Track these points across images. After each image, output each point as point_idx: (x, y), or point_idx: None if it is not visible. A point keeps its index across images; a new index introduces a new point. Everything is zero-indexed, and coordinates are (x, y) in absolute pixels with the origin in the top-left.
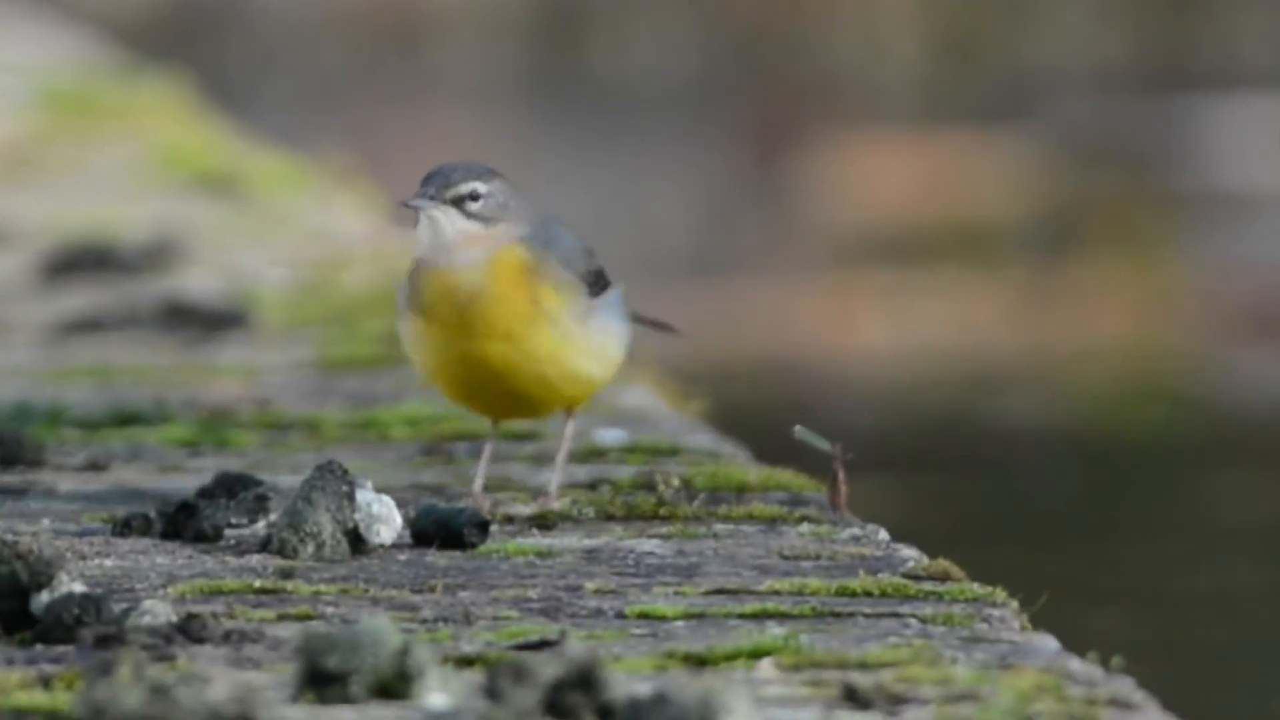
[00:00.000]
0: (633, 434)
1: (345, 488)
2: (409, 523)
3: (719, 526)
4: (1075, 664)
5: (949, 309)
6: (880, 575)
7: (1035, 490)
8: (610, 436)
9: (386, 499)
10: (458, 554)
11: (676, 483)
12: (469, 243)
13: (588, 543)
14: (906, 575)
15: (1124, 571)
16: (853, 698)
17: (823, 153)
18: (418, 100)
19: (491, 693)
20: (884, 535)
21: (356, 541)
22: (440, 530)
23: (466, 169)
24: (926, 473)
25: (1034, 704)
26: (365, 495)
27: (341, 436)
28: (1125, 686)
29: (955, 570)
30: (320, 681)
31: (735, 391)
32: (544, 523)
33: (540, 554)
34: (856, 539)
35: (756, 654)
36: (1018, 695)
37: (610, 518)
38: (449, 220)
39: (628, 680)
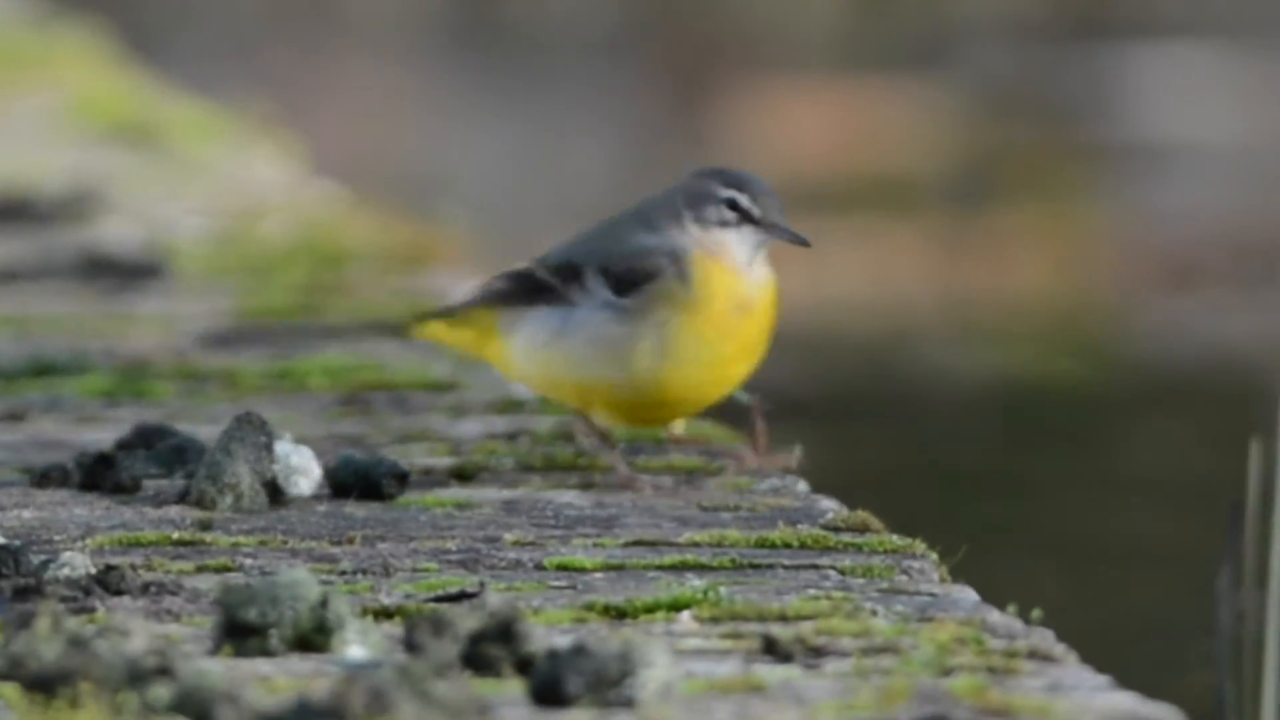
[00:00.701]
0: None
1: (264, 439)
2: (327, 474)
3: (638, 477)
4: (995, 616)
5: (868, 258)
6: (799, 527)
7: (954, 441)
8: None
9: (305, 450)
10: (376, 505)
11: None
12: (762, 264)
13: (506, 494)
14: (826, 527)
15: (1044, 522)
16: (772, 650)
17: (741, 102)
18: (334, 48)
19: (410, 645)
20: (803, 487)
21: (275, 493)
22: (359, 481)
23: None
24: (846, 423)
25: (953, 656)
26: (284, 446)
27: (259, 387)
28: (1045, 638)
29: (875, 522)
30: (239, 634)
31: None
32: (462, 474)
33: (459, 505)
34: (775, 490)
35: (676, 606)
36: (937, 647)
37: (529, 469)
38: (767, 244)
39: (547, 632)
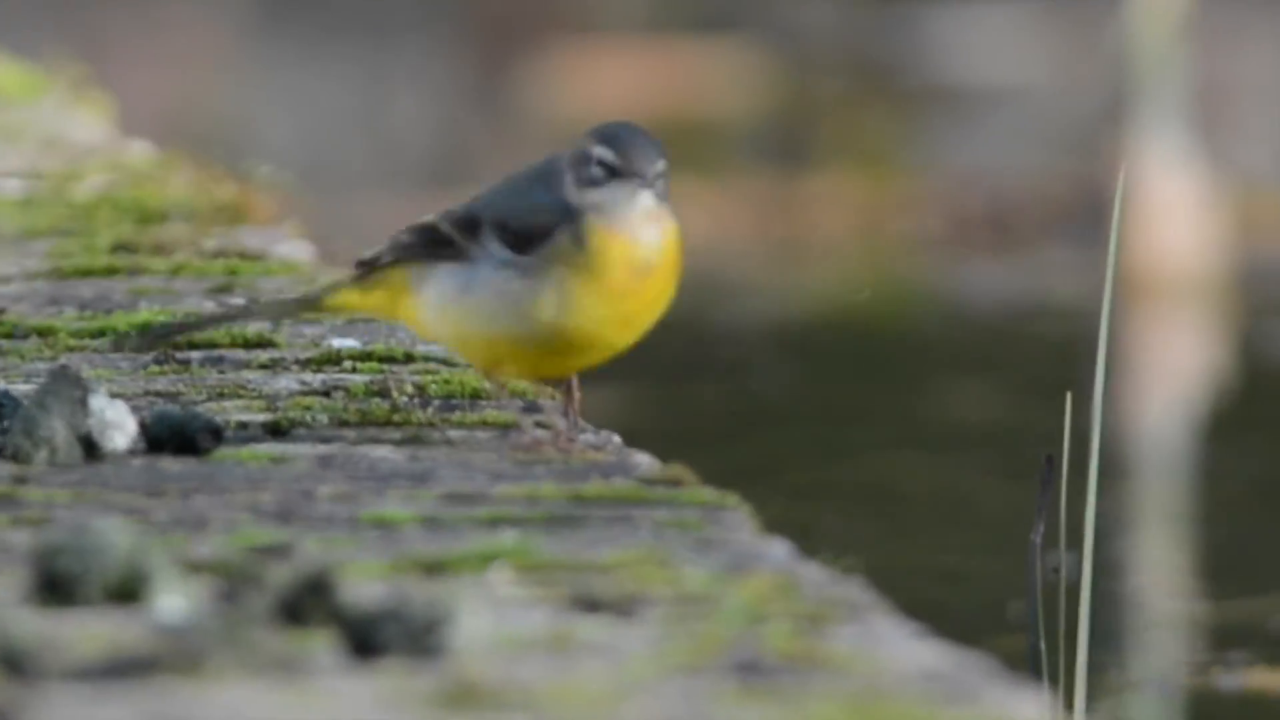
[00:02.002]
0: (366, 341)
1: (79, 394)
2: (143, 429)
3: (453, 433)
4: (807, 568)
5: (684, 216)
6: (613, 480)
7: (768, 395)
8: (344, 343)
9: (120, 405)
10: (191, 460)
11: (410, 389)
12: (653, 219)
13: (321, 449)
14: (640, 480)
15: (859, 476)
16: (585, 602)
17: (553, 61)
18: (153, 4)
19: (225, 597)
20: (617, 440)
21: (90, 447)
22: (174, 436)
23: (654, 142)
24: (659, 377)
25: (766, 608)
26: (99, 401)
27: (75, 344)
28: (857, 590)
29: (688, 475)
30: (52, 586)
31: None
32: (277, 429)
33: (274, 459)
34: (590, 445)
35: (490, 558)
36: (750, 599)
37: (344, 424)
38: (646, 200)
39: (361, 585)
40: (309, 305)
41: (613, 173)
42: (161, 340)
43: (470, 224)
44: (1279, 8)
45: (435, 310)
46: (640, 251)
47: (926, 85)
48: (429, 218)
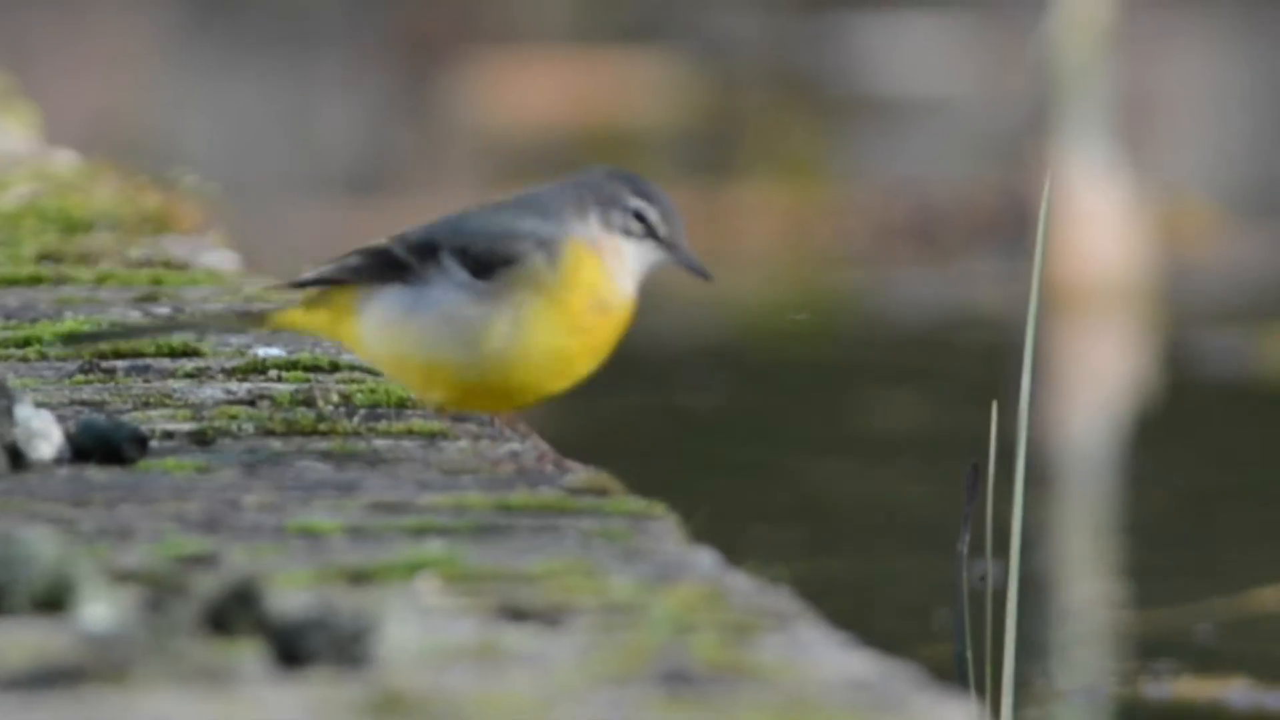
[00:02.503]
0: (292, 350)
1: (4, 403)
2: (69, 438)
3: (379, 442)
4: (734, 577)
5: None
6: (540, 490)
7: (696, 405)
8: (269, 352)
9: (46, 414)
10: (117, 469)
11: (336, 398)
12: (640, 283)
13: (247, 458)
14: (566, 490)
15: (786, 485)
16: (512, 612)
17: (478, 70)
18: (79, 13)
19: (151, 607)
20: (545, 449)
21: (16, 457)
22: (100, 446)
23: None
24: (585, 387)
25: (693, 617)
26: (24, 411)
27: (1, 353)
28: (784, 600)
29: (614, 484)
30: None
31: None
32: (203, 438)
33: (200, 469)
34: (516, 454)
35: (416, 568)
36: (677, 609)
37: (270, 434)
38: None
39: (287, 594)
40: (254, 321)
41: (651, 233)
42: (94, 347)
43: (426, 248)
44: (1203, 18)
45: (376, 331)
46: (609, 286)
47: (852, 95)
48: (381, 240)
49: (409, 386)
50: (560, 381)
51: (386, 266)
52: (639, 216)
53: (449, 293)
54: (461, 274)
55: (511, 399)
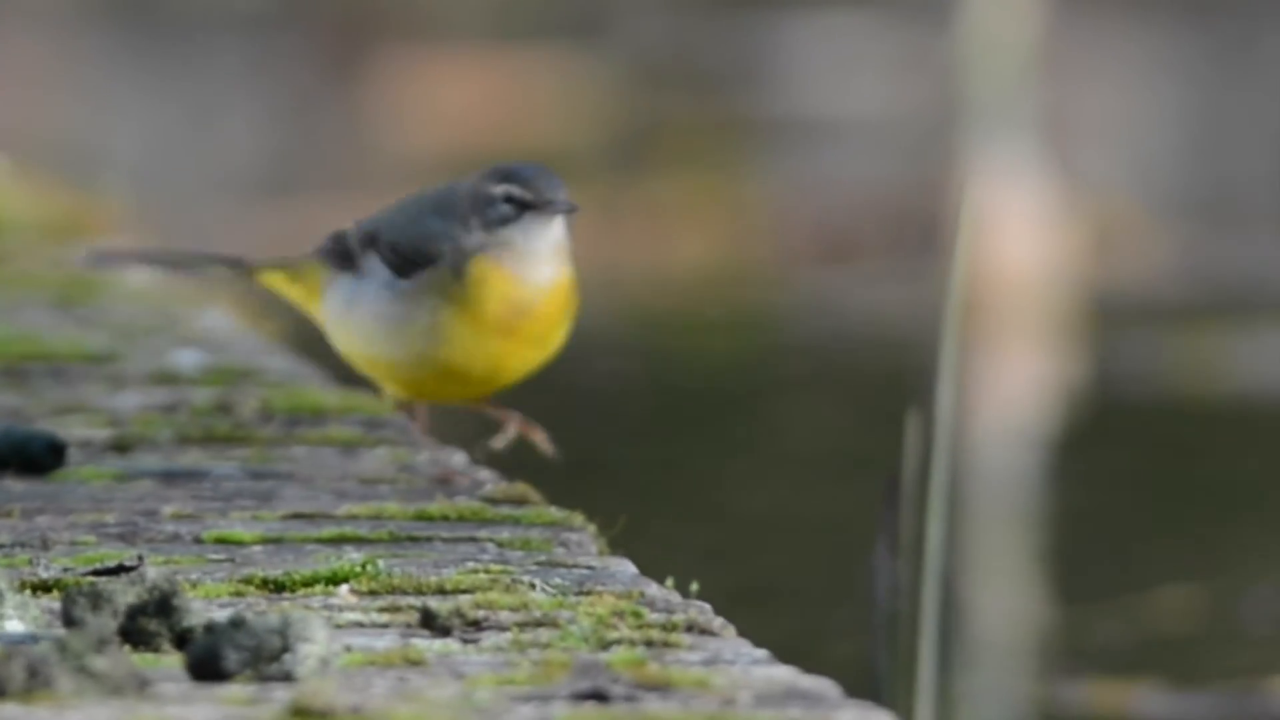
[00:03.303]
0: (210, 357)
1: None
2: None
3: (296, 450)
4: (653, 589)
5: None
6: (458, 499)
7: (612, 415)
8: (187, 359)
9: None
10: (34, 478)
11: (254, 405)
12: (550, 259)
13: (166, 465)
14: (484, 499)
15: (701, 496)
16: (430, 623)
17: (396, 74)
18: None
19: (69, 619)
20: (460, 459)
21: None
22: (16, 454)
23: (556, 174)
24: (499, 397)
25: (611, 630)
26: None
27: None
28: (703, 611)
29: (533, 494)
30: None
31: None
32: (121, 446)
33: (118, 478)
34: (434, 463)
35: (335, 579)
36: (595, 621)
37: (187, 441)
38: (560, 230)
39: (206, 606)
40: (244, 272)
41: (524, 206)
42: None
43: (370, 239)
44: (1131, 21)
45: (330, 323)
46: (522, 290)
47: (769, 104)
48: (347, 225)
49: (368, 378)
50: (502, 375)
51: (342, 255)
52: (508, 199)
53: (379, 290)
54: (385, 272)
55: (462, 390)
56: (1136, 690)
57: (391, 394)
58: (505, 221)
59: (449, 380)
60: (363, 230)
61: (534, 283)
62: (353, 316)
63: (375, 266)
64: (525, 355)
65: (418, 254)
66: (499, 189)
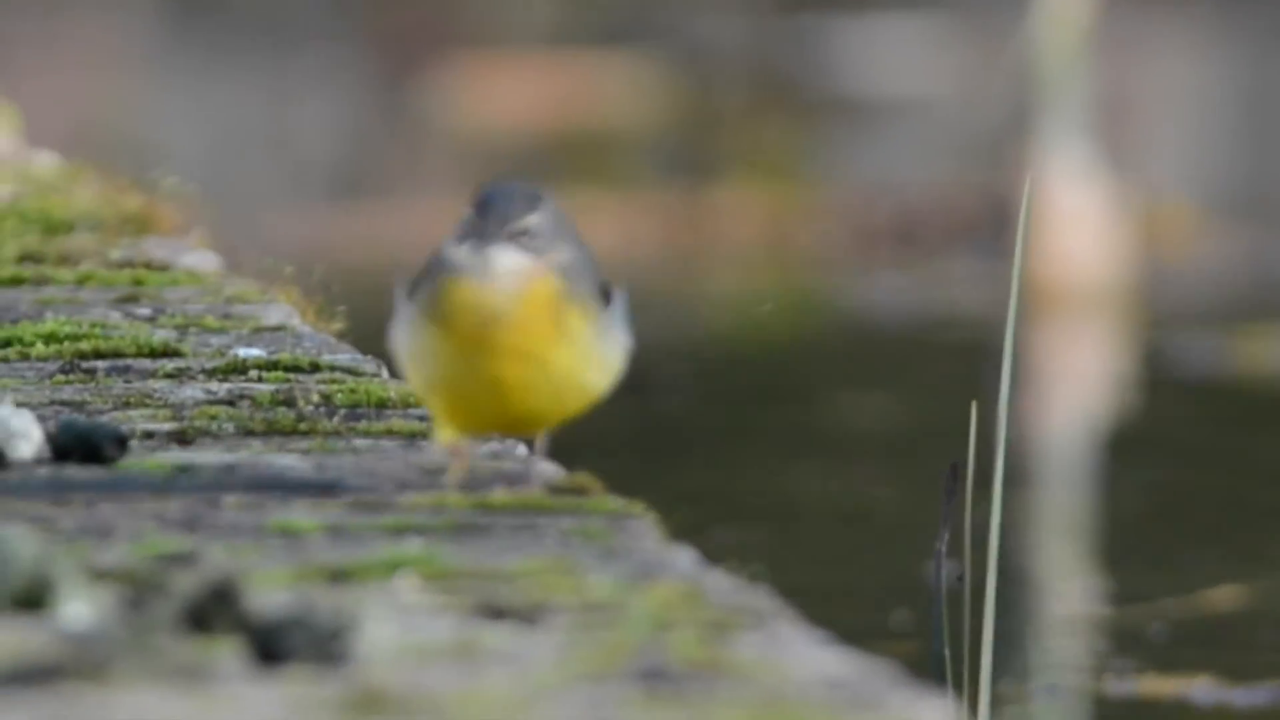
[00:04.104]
0: (273, 350)
1: None
2: (49, 438)
3: (358, 441)
4: (712, 576)
5: (585, 226)
6: (519, 489)
7: (675, 406)
8: (250, 353)
9: (26, 414)
10: (97, 469)
11: (316, 398)
12: (512, 273)
13: (227, 457)
14: (545, 489)
15: (764, 484)
16: (490, 610)
17: (457, 73)
18: (58, 12)
19: (130, 605)
20: (522, 450)
21: None
22: (80, 445)
23: (519, 199)
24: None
25: (671, 616)
26: (5, 410)
27: None
28: (761, 598)
29: (593, 483)
30: None
31: (376, 309)
32: (183, 438)
33: (180, 468)
34: (495, 454)
35: (395, 567)
36: (655, 607)
37: (250, 433)
38: (506, 258)
39: (266, 592)
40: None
41: (472, 229)
42: None
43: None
44: (1184, 18)
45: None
46: (484, 298)
47: (831, 97)
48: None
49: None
50: (513, 395)
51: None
52: (468, 221)
53: (398, 314)
54: (401, 293)
55: (494, 421)
56: (1193, 682)
57: (442, 433)
58: (462, 239)
59: (466, 409)
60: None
61: (502, 290)
62: (393, 343)
63: (400, 291)
64: (517, 373)
65: (419, 275)
66: (468, 209)
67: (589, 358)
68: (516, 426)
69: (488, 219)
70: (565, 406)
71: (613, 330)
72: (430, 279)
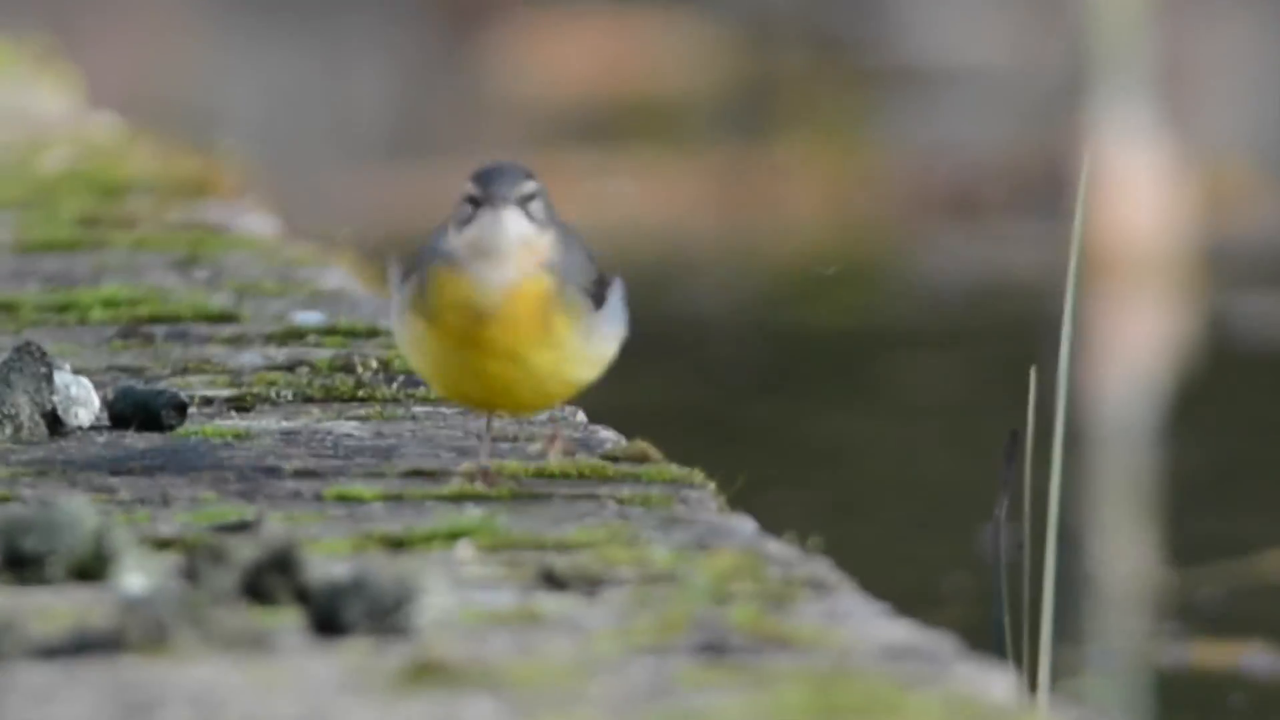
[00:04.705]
0: (331, 316)
1: (44, 369)
2: (107, 405)
3: (417, 409)
4: (772, 545)
5: (643, 190)
6: (577, 457)
7: (732, 372)
8: (308, 318)
9: (85, 381)
10: (156, 436)
11: (375, 364)
12: (522, 249)
13: (286, 425)
14: (604, 457)
15: (823, 452)
16: (550, 579)
17: (514, 33)
18: None
19: (189, 574)
20: (582, 417)
21: (55, 423)
22: (139, 412)
23: (519, 170)
24: (623, 354)
25: (731, 585)
26: (63, 377)
27: (39, 319)
28: (821, 567)
29: (653, 451)
30: (18, 564)
31: None
32: (241, 405)
33: (238, 436)
34: (554, 421)
35: (454, 535)
36: (715, 576)
37: (308, 400)
38: (515, 222)
39: (325, 562)
40: None
41: (475, 203)
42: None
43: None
44: None
45: None
46: (476, 295)
47: (889, 60)
48: None
49: None
50: (505, 387)
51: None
52: (468, 198)
53: (393, 301)
54: (394, 277)
55: (491, 403)
56: (1241, 651)
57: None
58: (465, 221)
59: (454, 393)
60: None
61: (493, 286)
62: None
63: (394, 274)
64: (500, 369)
65: (411, 260)
66: (466, 188)
67: (573, 359)
68: (504, 410)
69: (494, 186)
70: (549, 398)
71: (601, 329)
72: (420, 268)
